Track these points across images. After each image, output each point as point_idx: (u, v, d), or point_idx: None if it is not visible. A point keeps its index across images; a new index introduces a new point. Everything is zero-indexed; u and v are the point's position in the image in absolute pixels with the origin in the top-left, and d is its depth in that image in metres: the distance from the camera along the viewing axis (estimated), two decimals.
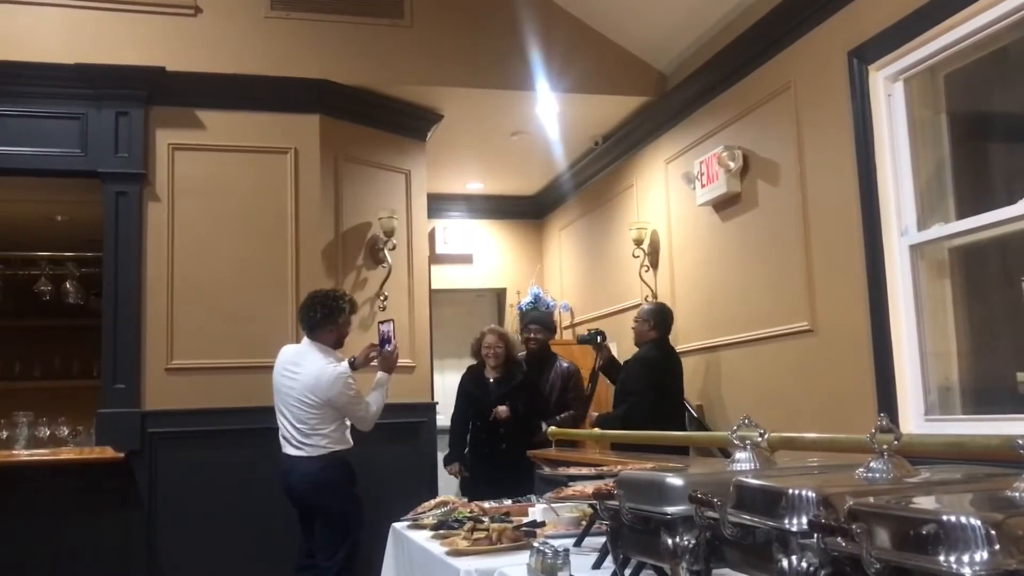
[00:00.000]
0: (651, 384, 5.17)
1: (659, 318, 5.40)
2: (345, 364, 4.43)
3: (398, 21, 5.78)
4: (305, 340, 4.52)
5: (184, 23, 5.42)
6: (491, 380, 5.70)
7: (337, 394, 4.33)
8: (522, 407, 5.57)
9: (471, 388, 5.77)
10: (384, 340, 4.66)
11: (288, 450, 4.41)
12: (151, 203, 5.24)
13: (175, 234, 5.25)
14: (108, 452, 4.87)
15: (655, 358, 5.27)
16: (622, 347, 6.16)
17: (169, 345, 5.15)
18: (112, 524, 4.92)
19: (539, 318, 6.38)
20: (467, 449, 5.78)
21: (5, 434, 5.42)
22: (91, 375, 6.77)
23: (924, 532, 1.12)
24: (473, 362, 5.92)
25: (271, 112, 5.47)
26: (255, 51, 5.47)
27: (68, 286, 6.97)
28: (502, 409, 5.50)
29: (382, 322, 4.79)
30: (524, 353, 6.00)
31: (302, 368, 4.39)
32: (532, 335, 6.05)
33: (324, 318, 4.45)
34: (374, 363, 4.62)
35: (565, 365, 6.01)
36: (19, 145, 5.09)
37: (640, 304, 6.30)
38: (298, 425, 4.37)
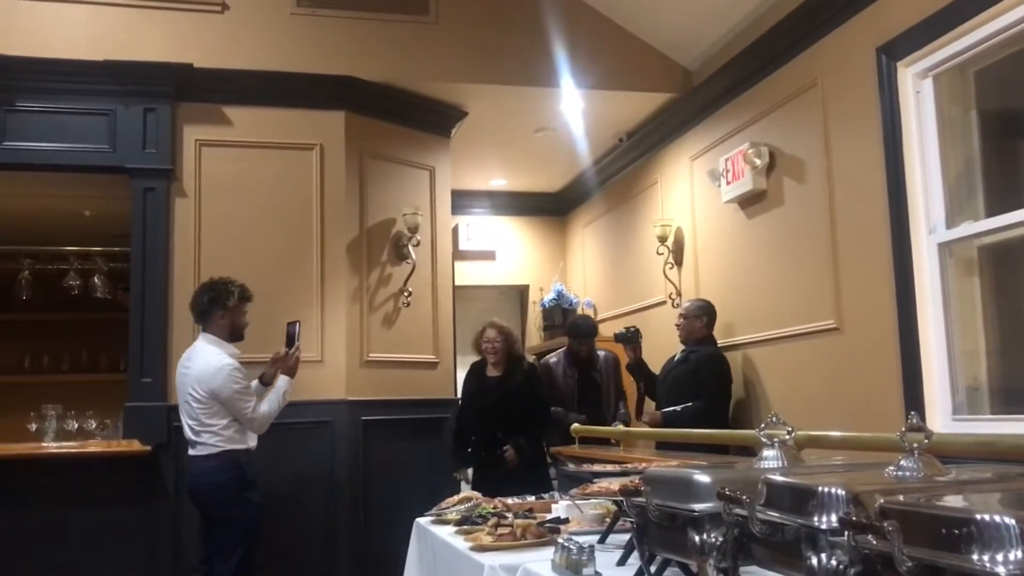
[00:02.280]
0: (728, 382, 5.21)
1: (711, 315, 5.36)
2: (230, 356, 4.27)
3: (423, 18, 5.79)
4: (200, 334, 4.41)
5: (212, 20, 5.46)
6: (491, 378, 5.47)
7: (220, 386, 4.16)
8: (524, 442, 5.29)
9: (472, 387, 5.55)
10: (289, 341, 4.57)
11: (189, 450, 4.32)
12: (178, 199, 5.29)
13: (202, 229, 5.29)
14: (135, 445, 4.91)
15: (725, 357, 5.28)
16: (646, 344, 6.11)
17: (195, 339, 5.17)
18: (138, 516, 4.96)
19: (588, 328, 6.19)
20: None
21: (34, 427, 5.49)
22: (118, 369, 6.84)
23: (957, 531, 1.11)
24: (477, 358, 5.69)
25: (297, 108, 5.50)
26: (281, 48, 5.50)
27: (96, 280, 7.05)
28: (509, 455, 5.23)
29: (290, 323, 4.71)
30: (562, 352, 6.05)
31: (192, 361, 4.29)
32: (582, 345, 6.01)
33: (211, 302, 4.33)
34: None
35: (606, 354, 6.10)
36: (48, 141, 5.15)
37: (664, 302, 6.29)
38: (189, 422, 4.26)
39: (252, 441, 4.32)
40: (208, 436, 4.20)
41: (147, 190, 5.24)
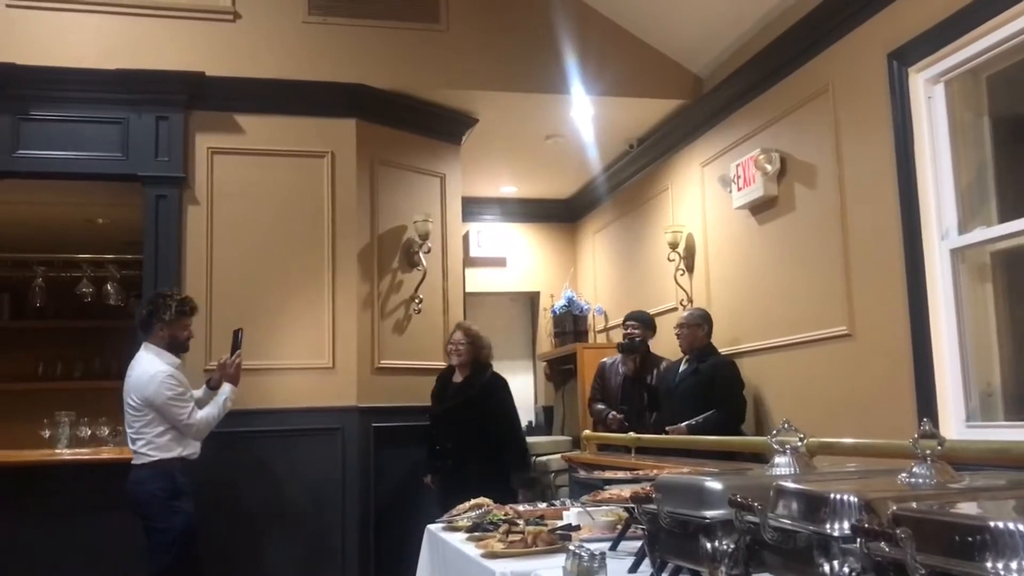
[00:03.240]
0: (742, 389, 5.21)
1: (711, 323, 5.39)
2: (166, 365, 4.25)
3: (434, 25, 5.81)
4: (142, 344, 4.41)
5: (223, 28, 5.49)
6: (454, 383, 5.25)
7: (153, 393, 4.15)
8: (516, 477, 5.04)
9: (436, 390, 5.34)
10: (232, 348, 4.57)
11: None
12: (190, 206, 5.32)
13: (214, 237, 5.32)
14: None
15: (736, 364, 5.30)
16: (658, 349, 6.09)
17: (208, 347, 5.20)
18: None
19: (638, 315, 5.97)
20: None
21: (47, 433, 5.52)
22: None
23: (971, 538, 1.10)
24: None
25: (308, 116, 5.52)
26: (293, 56, 5.52)
27: (109, 288, 7.08)
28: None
29: (236, 329, 4.71)
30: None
31: (132, 370, 4.31)
32: (629, 331, 5.78)
33: (150, 315, 4.34)
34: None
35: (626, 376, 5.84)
36: (61, 149, 5.18)
37: (676, 308, 6.28)
38: (128, 430, 4.27)
39: (189, 450, 4.28)
40: (142, 444, 4.21)
41: (159, 198, 5.27)
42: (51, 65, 5.13)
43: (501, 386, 5.25)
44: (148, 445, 4.19)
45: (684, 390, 5.24)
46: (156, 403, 4.16)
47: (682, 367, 5.37)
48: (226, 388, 4.46)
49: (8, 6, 5.21)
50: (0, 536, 4.64)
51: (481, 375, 5.20)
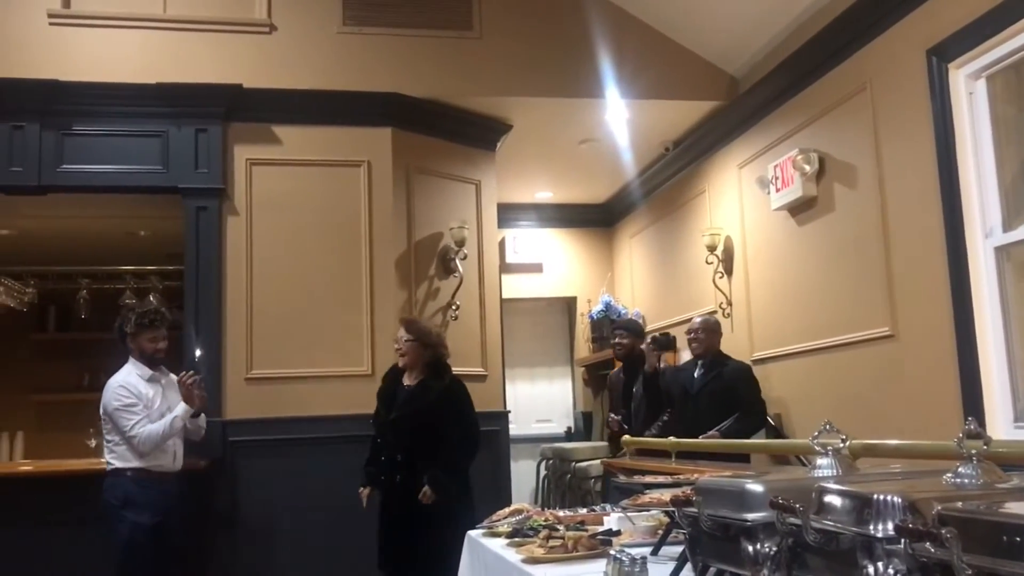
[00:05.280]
0: (761, 391, 5.25)
1: (721, 330, 5.46)
2: (130, 375, 4.28)
3: (467, 33, 5.83)
4: None
5: (260, 41, 5.56)
6: (404, 387, 4.56)
7: (106, 401, 4.20)
8: (445, 478, 4.33)
9: (383, 394, 4.66)
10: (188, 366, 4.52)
11: None
12: (230, 217, 5.38)
13: (253, 247, 5.38)
14: (191, 460, 4.98)
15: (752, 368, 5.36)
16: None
17: (249, 355, 5.26)
18: (193, 531, 5.02)
19: (626, 323, 6.18)
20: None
21: (93, 443, 5.62)
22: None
23: (1019, 538, 1.08)
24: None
25: (345, 126, 5.57)
26: (329, 66, 5.58)
27: (152, 299, 7.17)
28: (425, 495, 4.27)
29: (196, 355, 4.69)
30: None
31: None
32: (619, 340, 5.92)
33: (118, 328, 4.39)
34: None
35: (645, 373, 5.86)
36: (104, 163, 5.29)
37: (715, 311, 6.23)
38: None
39: (150, 461, 4.22)
40: (107, 453, 4.26)
41: (199, 209, 5.34)
42: (93, 81, 5.24)
43: (461, 395, 4.57)
44: (110, 454, 4.24)
45: (709, 394, 5.24)
46: (108, 412, 4.20)
47: (698, 372, 5.36)
48: (179, 408, 4.31)
49: (51, 24, 5.32)
50: (46, 543, 4.70)
51: (437, 380, 4.52)
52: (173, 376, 4.45)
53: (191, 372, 4.42)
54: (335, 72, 5.57)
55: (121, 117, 5.32)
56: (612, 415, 5.78)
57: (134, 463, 4.19)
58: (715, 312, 6.25)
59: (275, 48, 5.57)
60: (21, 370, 7.70)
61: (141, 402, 4.22)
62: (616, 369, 6.15)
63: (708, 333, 5.37)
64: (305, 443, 5.25)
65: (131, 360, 4.36)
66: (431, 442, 4.37)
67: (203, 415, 4.53)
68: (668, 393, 5.50)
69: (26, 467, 5.18)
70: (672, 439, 4.44)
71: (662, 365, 5.68)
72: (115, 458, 4.22)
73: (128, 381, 4.26)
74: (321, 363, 5.32)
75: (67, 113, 5.25)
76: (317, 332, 5.36)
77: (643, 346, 5.80)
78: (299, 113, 5.51)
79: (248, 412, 5.22)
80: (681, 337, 6.09)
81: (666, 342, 5.70)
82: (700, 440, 4.78)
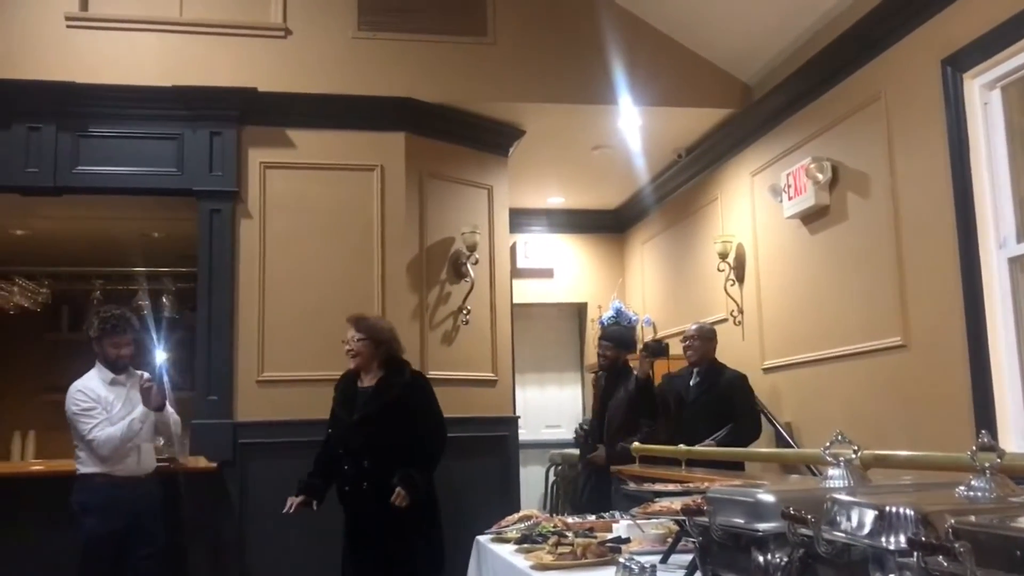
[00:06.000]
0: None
1: (716, 337, 5.44)
2: (91, 379, 4.28)
3: (481, 39, 5.85)
4: None
5: (275, 45, 5.59)
6: (363, 389, 4.33)
7: (66, 406, 4.20)
8: (419, 476, 4.11)
9: (339, 399, 4.44)
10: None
11: None
12: (243, 220, 5.41)
13: (266, 250, 5.40)
14: (201, 462, 5.01)
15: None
16: None
17: (260, 357, 5.28)
18: (204, 531, 5.05)
19: (612, 334, 6.01)
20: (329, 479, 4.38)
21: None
22: (186, 387, 6.98)
23: None
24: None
25: (358, 130, 5.59)
26: (343, 71, 5.60)
27: (164, 300, 7.21)
28: (398, 497, 4.03)
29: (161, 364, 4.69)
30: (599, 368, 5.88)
31: None
32: (603, 352, 5.77)
33: (86, 334, 4.40)
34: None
35: (633, 382, 5.69)
36: (119, 165, 5.31)
37: (726, 319, 6.23)
38: None
39: (112, 465, 4.18)
40: (76, 459, 4.25)
41: (213, 211, 5.37)
42: (109, 83, 5.27)
43: (426, 389, 4.39)
44: (77, 460, 4.23)
45: (704, 404, 5.23)
46: (68, 416, 4.20)
47: (693, 380, 5.33)
48: (137, 410, 4.22)
49: (69, 26, 5.36)
50: (57, 543, 4.72)
51: (398, 375, 4.31)
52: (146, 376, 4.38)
53: (147, 376, 4.33)
54: (349, 77, 5.60)
55: (137, 119, 5.35)
56: (595, 455, 5.62)
57: (94, 468, 4.18)
58: (726, 320, 6.25)
59: (290, 52, 5.59)
60: (34, 370, 7.73)
61: (100, 405, 4.20)
62: (599, 373, 6.04)
63: (703, 340, 5.35)
64: (316, 446, 5.23)
65: (96, 364, 4.36)
66: (399, 441, 4.15)
67: (173, 414, 4.45)
68: (663, 400, 5.46)
69: (37, 466, 5.21)
70: (683, 447, 4.43)
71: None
72: (80, 463, 4.21)
73: (87, 385, 4.25)
74: (333, 366, 5.31)
75: (83, 115, 5.28)
76: (329, 335, 5.35)
77: (637, 351, 5.76)
78: (313, 117, 5.53)
79: (259, 414, 5.23)
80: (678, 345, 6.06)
81: (658, 349, 5.60)
82: (712, 448, 4.77)
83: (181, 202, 5.44)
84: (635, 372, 5.66)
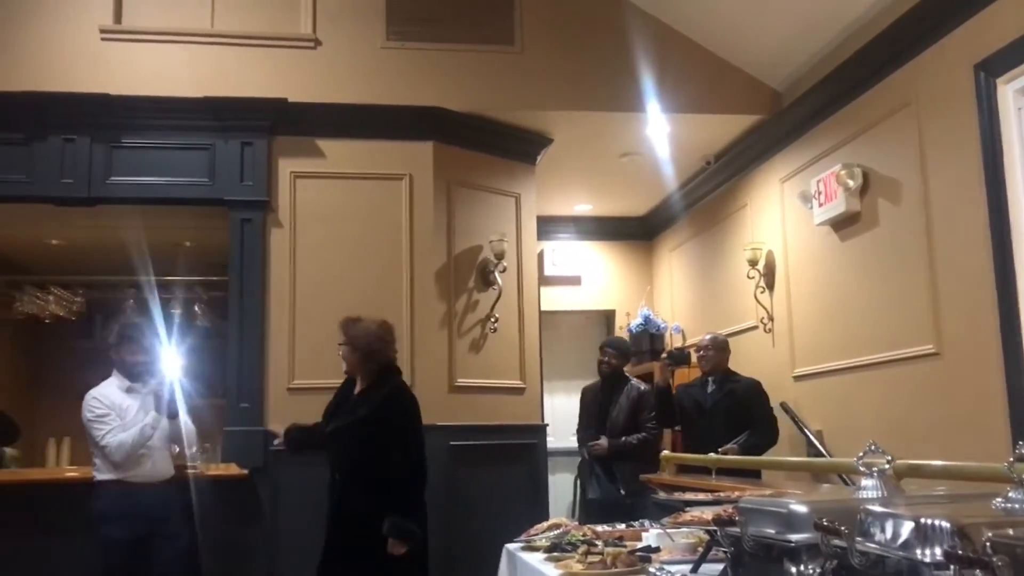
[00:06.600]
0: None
1: (729, 348, 5.52)
2: (108, 386, 4.34)
3: (508, 48, 5.87)
4: None
5: (304, 55, 5.64)
6: (354, 396, 4.23)
7: (82, 414, 4.25)
8: (400, 520, 3.88)
9: (332, 400, 4.38)
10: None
11: None
12: (274, 229, 5.46)
13: (297, 258, 5.45)
14: (233, 468, 5.06)
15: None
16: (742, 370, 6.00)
17: (291, 365, 5.32)
18: (236, 538, 5.09)
19: (616, 343, 6.11)
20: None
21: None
22: (218, 395, 7.04)
23: None
24: None
25: (387, 140, 5.63)
26: (372, 81, 5.64)
27: (196, 309, 7.27)
28: (395, 547, 3.87)
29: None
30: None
31: None
32: (607, 359, 5.86)
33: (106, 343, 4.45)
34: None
35: (634, 387, 5.82)
36: (151, 176, 5.39)
37: (756, 327, 6.19)
38: None
39: (126, 472, 4.22)
40: (93, 466, 4.31)
41: (244, 221, 5.42)
42: (142, 95, 5.34)
43: (400, 407, 4.10)
44: (94, 467, 4.30)
45: (723, 411, 5.29)
46: (83, 423, 4.26)
47: (710, 388, 5.41)
48: (148, 416, 4.29)
49: (103, 39, 5.45)
50: (94, 549, 4.78)
51: (378, 390, 4.08)
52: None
53: (155, 381, 4.41)
54: (378, 86, 5.63)
55: (169, 130, 5.42)
56: (596, 443, 5.67)
57: (108, 475, 4.23)
58: (756, 327, 6.21)
59: (320, 63, 5.64)
60: (68, 377, 7.80)
61: (113, 412, 4.25)
62: (594, 382, 6.06)
63: (716, 351, 5.44)
64: None
65: (114, 372, 4.43)
66: (366, 461, 3.95)
67: (188, 422, 4.51)
68: (681, 408, 5.51)
69: (72, 472, 5.26)
70: (713, 455, 4.41)
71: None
72: (96, 470, 4.28)
73: (103, 392, 4.31)
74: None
75: (116, 126, 5.36)
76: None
77: (659, 359, 5.80)
78: (342, 127, 5.57)
79: (289, 421, 5.25)
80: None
81: (681, 357, 5.71)
82: (745, 458, 4.75)
83: (212, 212, 5.50)
84: (633, 380, 5.89)
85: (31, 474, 5.41)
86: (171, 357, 4.76)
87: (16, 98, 5.21)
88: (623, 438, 5.62)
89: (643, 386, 5.90)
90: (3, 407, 6.19)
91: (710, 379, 5.43)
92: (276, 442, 4.61)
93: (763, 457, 4.84)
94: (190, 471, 4.74)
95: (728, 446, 4.91)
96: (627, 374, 6.05)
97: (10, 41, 5.38)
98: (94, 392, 4.32)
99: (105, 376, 4.45)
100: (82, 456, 6.87)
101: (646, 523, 3.66)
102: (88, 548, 4.31)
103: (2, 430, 5.85)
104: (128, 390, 4.37)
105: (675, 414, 5.52)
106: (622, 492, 5.48)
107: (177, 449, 4.65)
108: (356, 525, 3.92)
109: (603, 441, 5.63)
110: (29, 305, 6.70)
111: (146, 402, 4.38)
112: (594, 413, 5.86)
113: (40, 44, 5.40)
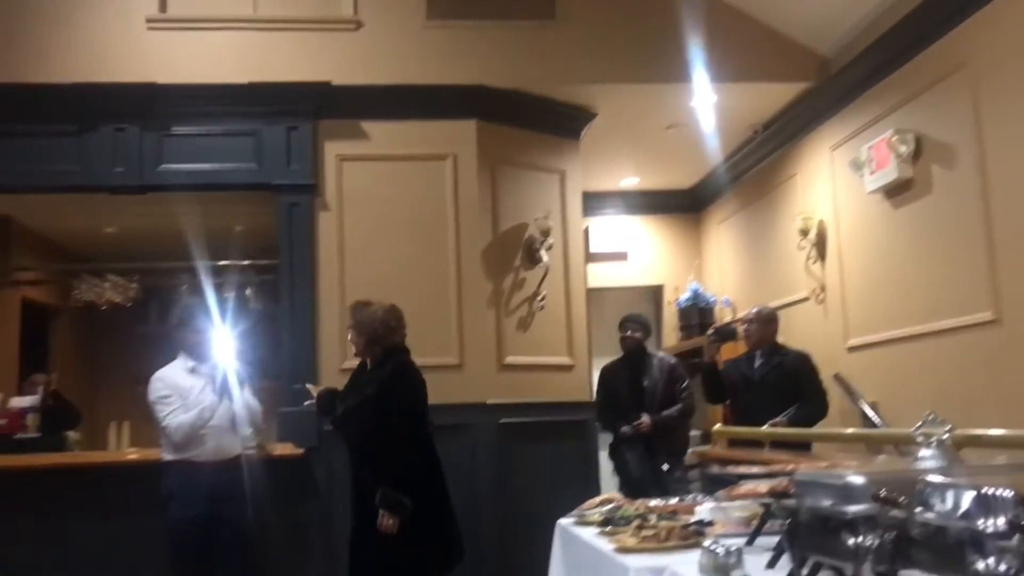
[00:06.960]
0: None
1: (777, 320, 5.38)
2: (173, 368, 4.38)
3: (549, 22, 5.82)
4: None
5: (347, 38, 5.65)
6: (366, 371, 4.34)
7: (148, 395, 4.30)
8: (391, 492, 3.90)
9: (348, 381, 4.50)
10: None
11: None
12: (321, 212, 5.51)
13: (344, 241, 5.49)
14: (289, 448, 5.14)
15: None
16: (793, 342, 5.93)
17: (343, 346, 5.37)
18: (292, 515, 5.17)
19: (637, 317, 5.96)
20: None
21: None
22: (273, 376, 7.14)
23: None
24: None
25: (430, 120, 5.63)
26: (414, 61, 5.64)
27: (247, 293, 7.38)
28: (385, 521, 3.90)
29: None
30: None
31: None
32: (630, 333, 5.76)
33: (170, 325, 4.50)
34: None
35: (665, 359, 5.81)
36: (200, 162, 5.46)
37: (807, 298, 6.11)
38: None
39: (188, 452, 4.27)
40: (160, 445, 4.37)
41: (292, 205, 5.48)
42: (188, 83, 5.40)
43: (404, 381, 4.13)
44: (160, 447, 4.37)
45: (772, 384, 5.16)
46: (148, 404, 4.32)
47: (758, 361, 5.27)
48: (210, 398, 4.34)
49: (149, 29, 5.52)
50: (158, 531, 4.91)
51: (381, 367, 4.14)
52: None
53: (214, 365, 4.47)
54: (420, 66, 5.63)
55: (215, 117, 5.48)
56: (641, 421, 5.58)
57: (172, 455, 4.31)
58: (807, 299, 6.13)
59: (362, 45, 5.65)
60: (125, 362, 8.00)
61: (176, 393, 4.31)
62: (613, 361, 5.92)
63: (760, 324, 5.29)
64: None
65: (179, 355, 4.49)
66: (368, 440, 4.04)
67: (253, 403, 4.58)
68: (730, 383, 5.41)
69: (132, 455, 5.39)
70: (767, 428, 4.38)
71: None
72: (162, 451, 4.35)
73: (166, 374, 4.38)
74: (413, 353, 5.39)
75: (165, 115, 5.43)
76: (407, 324, 5.42)
77: (707, 334, 5.73)
78: (386, 108, 5.58)
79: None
80: None
81: (727, 332, 5.58)
82: (792, 430, 4.70)
83: (261, 196, 5.57)
84: (659, 353, 5.88)
85: (94, 456, 5.53)
86: (226, 340, 4.84)
87: (67, 90, 5.30)
88: (663, 412, 5.58)
89: (672, 358, 5.90)
90: (64, 393, 6.39)
91: (757, 353, 5.32)
92: (307, 402, 4.64)
93: (818, 429, 4.78)
94: (254, 450, 4.83)
95: (777, 419, 4.85)
96: (648, 349, 5.91)
97: (59, 35, 5.47)
98: (158, 374, 4.40)
99: (167, 360, 4.54)
100: (142, 439, 7.04)
101: (699, 497, 3.64)
102: (151, 528, 4.41)
103: (64, 415, 6.02)
104: (192, 371, 4.44)
105: (724, 389, 5.45)
106: (665, 467, 5.44)
107: (250, 430, 4.72)
108: (370, 500, 3.98)
109: (646, 418, 5.52)
110: (87, 293, 6.86)
111: (211, 384, 4.45)
112: (623, 393, 5.74)
113: (89, 36, 5.49)
